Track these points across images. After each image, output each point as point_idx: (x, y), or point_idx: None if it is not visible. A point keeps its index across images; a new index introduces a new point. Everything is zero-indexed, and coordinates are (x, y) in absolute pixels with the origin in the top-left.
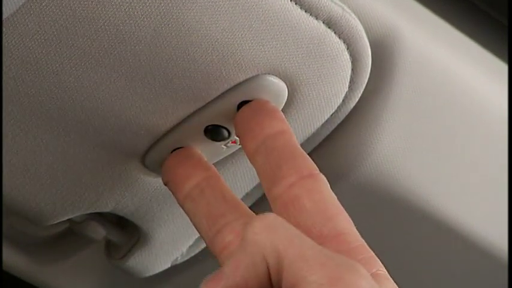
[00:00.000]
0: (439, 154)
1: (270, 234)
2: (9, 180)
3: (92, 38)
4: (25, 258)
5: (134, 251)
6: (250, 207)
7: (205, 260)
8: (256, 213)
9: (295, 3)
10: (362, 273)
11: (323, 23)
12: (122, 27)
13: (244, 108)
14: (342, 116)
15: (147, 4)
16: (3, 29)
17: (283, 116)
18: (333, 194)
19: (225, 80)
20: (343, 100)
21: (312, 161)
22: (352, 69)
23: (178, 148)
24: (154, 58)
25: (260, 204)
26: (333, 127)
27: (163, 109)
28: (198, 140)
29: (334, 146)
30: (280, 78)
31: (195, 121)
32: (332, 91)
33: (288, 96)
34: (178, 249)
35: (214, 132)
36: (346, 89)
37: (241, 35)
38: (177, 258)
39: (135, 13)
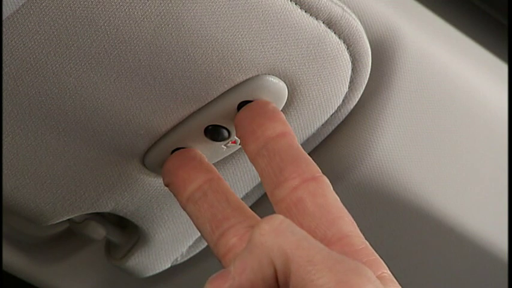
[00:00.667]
0: (439, 154)
1: (277, 236)
2: (9, 180)
3: (91, 38)
4: (25, 258)
5: (134, 251)
6: (250, 208)
7: (205, 260)
8: (256, 214)
9: (295, 4)
10: (369, 277)
11: (323, 23)
12: (122, 27)
13: (245, 109)
14: (342, 116)
15: (147, 4)
16: (3, 29)
17: (284, 118)
18: (336, 196)
19: (225, 80)
20: (343, 100)
21: (315, 164)
22: (352, 69)
23: (178, 148)
24: (154, 58)
25: (260, 204)
26: (333, 127)
27: (163, 109)
28: (198, 140)
29: (334, 146)
30: (280, 79)
31: (195, 121)
32: (332, 91)
33: (288, 97)
34: (178, 250)
35: (214, 133)
36: (346, 89)
37: (241, 35)
38: (177, 258)
39: (135, 13)
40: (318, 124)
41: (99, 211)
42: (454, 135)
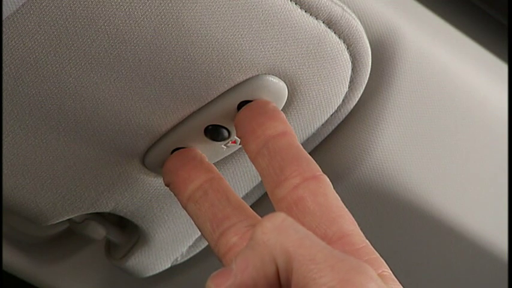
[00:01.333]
0: (438, 154)
1: (279, 234)
2: (9, 180)
3: (91, 38)
4: (25, 258)
5: (134, 251)
6: (250, 207)
7: (205, 260)
8: (257, 213)
9: (295, 3)
10: (372, 275)
11: (323, 23)
12: (122, 27)
13: (245, 108)
14: (342, 116)
15: (147, 4)
16: (3, 29)
17: (285, 117)
18: (337, 195)
19: (225, 80)
20: (343, 100)
21: (315, 163)
22: (352, 69)
23: (178, 148)
24: (154, 58)
25: (260, 204)
26: (333, 127)
27: (163, 109)
28: (198, 140)
29: (334, 146)
30: (280, 78)
31: (195, 121)
32: (332, 91)
33: (288, 96)
34: (178, 250)
35: (214, 132)
36: (346, 89)
37: (241, 35)
38: (177, 258)
39: (135, 13)
40: (318, 124)
41: (99, 211)
42: (454, 135)
